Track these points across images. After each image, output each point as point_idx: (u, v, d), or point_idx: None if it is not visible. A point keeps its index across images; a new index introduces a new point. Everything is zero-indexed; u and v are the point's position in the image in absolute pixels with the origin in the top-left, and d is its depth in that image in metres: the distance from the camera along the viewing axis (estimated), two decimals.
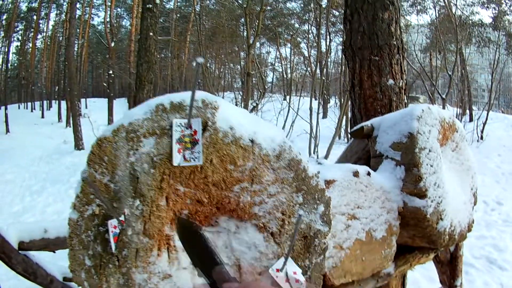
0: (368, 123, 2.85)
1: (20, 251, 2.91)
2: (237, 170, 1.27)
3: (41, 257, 3.15)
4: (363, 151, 3.04)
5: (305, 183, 1.38)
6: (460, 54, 18.36)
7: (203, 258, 0.47)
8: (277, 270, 1.28)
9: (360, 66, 4.20)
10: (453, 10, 17.90)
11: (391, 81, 4.09)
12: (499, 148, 13.63)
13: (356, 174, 2.13)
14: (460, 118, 15.53)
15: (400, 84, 4.17)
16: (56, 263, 3.35)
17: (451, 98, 24.46)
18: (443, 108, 16.10)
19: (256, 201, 1.30)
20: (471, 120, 18.21)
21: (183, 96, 1.28)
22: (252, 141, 1.28)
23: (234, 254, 1.32)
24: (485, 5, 21.95)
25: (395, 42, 4.12)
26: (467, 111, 19.54)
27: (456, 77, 19.29)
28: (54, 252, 3.23)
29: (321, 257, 1.44)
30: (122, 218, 1.19)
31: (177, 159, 1.20)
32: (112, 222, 1.18)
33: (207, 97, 1.29)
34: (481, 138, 14.76)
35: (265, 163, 1.30)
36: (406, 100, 4.28)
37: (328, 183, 1.93)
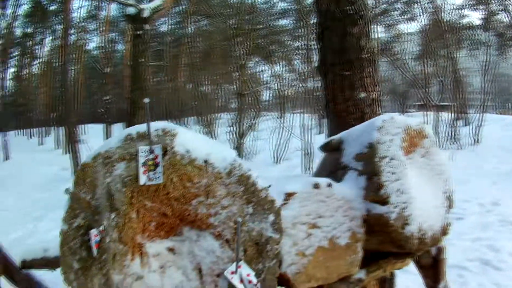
0: (336, 137, 3.06)
1: (23, 269, 3.02)
2: (194, 187, 1.54)
3: (42, 277, 3.20)
4: (334, 164, 3.18)
5: (254, 196, 1.64)
6: (451, 59, 18.53)
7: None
8: (232, 273, 1.53)
9: (333, 81, 4.37)
10: (442, 15, 18.13)
11: (363, 94, 4.27)
12: (496, 149, 13.58)
13: (316, 186, 2.33)
14: (455, 123, 15.62)
15: (373, 96, 4.34)
16: (57, 282, 3.52)
17: (446, 103, 24.59)
18: (438, 114, 16.24)
19: (211, 212, 1.56)
20: (466, 124, 18.28)
21: (147, 127, 1.55)
22: (206, 161, 1.55)
23: (196, 258, 1.58)
24: (474, 7, 22.13)
25: (365, 56, 4.30)
26: (462, 115, 19.58)
27: (449, 82, 19.40)
28: (54, 270, 3.41)
29: (273, 261, 1.67)
30: (101, 228, 1.46)
31: (142, 179, 1.47)
32: (93, 232, 1.46)
33: (167, 126, 1.57)
34: (477, 141, 14.80)
35: (218, 179, 1.57)
36: (380, 111, 4.43)
37: (289, 195, 2.13)
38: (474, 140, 14.82)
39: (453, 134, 15.04)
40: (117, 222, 1.48)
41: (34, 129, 31.84)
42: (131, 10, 9.83)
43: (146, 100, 1.38)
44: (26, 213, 10.63)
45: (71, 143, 15.52)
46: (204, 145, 1.59)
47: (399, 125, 2.81)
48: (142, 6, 9.87)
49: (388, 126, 2.73)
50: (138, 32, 9.64)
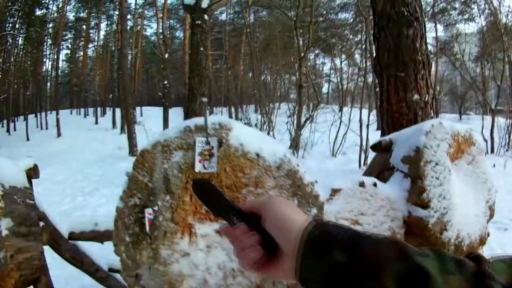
0: (387, 137, 3.09)
1: (70, 240, 3.17)
2: (245, 177, 1.66)
3: (90, 249, 3.39)
4: (384, 164, 3.23)
5: (300, 189, 1.74)
6: (509, 63, 17.75)
7: (220, 205, 0.63)
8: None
9: (387, 82, 4.41)
10: (499, 17, 17.40)
11: (416, 96, 4.27)
12: None
13: (362, 184, 2.40)
14: (510, 129, 14.94)
15: (426, 98, 4.33)
16: (103, 255, 3.64)
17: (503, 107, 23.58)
18: (493, 119, 15.61)
19: None
20: None
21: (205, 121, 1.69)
22: (257, 154, 1.67)
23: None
24: None
25: (420, 58, 4.29)
26: None
27: (507, 86, 18.58)
28: (102, 243, 3.41)
29: None
30: (156, 208, 1.61)
31: (197, 167, 1.61)
32: (148, 210, 1.62)
33: (222, 121, 1.70)
34: None
35: (267, 172, 1.68)
36: (432, 114, 4.44)
37: (335, 191, 2.22)
38: None
39: (508, 140, 14.38)
40: (171, 203, 1.63)
41: (89, 109, 33.28)
42: (189, 0, 10.04)
43: (204, 99, 1.51)
44: (78, 188, 10.99)
45: (128, 124, 15.99)
46: (257, 140, 1.70)
47: (447, 130, 2.82)
48: None
49: (436, 131, 2.74)
50: (197, 22, 9.80)
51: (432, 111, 4.48)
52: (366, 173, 3.48)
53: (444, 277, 0.52)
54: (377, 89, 16.25)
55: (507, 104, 18.64)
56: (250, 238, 0.65)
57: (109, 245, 3.56)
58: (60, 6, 26.88)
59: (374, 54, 4.73)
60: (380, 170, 3.29)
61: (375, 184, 2.52)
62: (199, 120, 1.70)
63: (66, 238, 3.15)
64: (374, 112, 16.16)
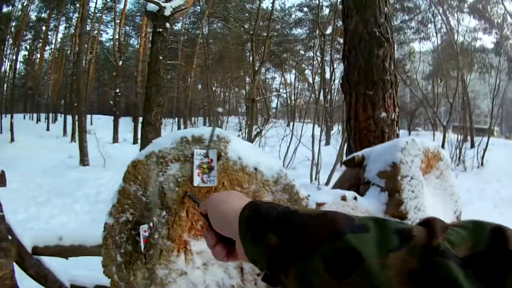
0: (359, 153, 3.17)
1: (33, 255, 3.04)
2: (243, 192, 1.62)
3: (52, 264, 3.26)
4: (354, 179, 3.31)
5: (297, 204, 1.72)
6: (462, 81, 18.64)
7: None
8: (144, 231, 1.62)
9: (356, 100, 4.49)
10: (455, 37, 18.25)
11: (384, 114, 4.39)
12: (499, 174, 13.69)
13: (344, 198, 2.46)
14: (461, 145, 15.71)
15: (393, 116, 4.47)
16: (66, 270, 3.49)
17: (453, 124, 24.67)
18: (444, 135, 16.34)
19: None
20: (472, 146, 18.32)
21: (202, 131, 1.64)
22: (255, 169, 1.64)
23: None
24: (487, 31, 22.25)
25: (388, 78, 4.42)
26: (469, 137, 19.69)
27: (458, 104, 19.51)
28: (67, 258, 3.34)
29: None
30: (151, 224, 1.53)
31: (196, 181, 1.55)
32: (143, 227, 1.53)
33: (221, 133, 1.65)
34: (482, 164, 14.88)
35: (265, 186, 1.65)
36: (398, 132, 4.57)
37: (319, 205, 2.25)
38: (479, 163, 14.85)
39: (458, 155, 15.09)
40: (168, 219, 1.56)
41: (41, 114, 32.06)
42: (152, 7, 9.90)
43: (220, 110, 1.46)
44: (31, 197, 10.64)
45: (80, 133, 15.52)
46: (254, 154, 1.67)
47: (419, 147, 2.99)
48: (164, 4, 9.93)
49: (410, 148, 2.88)
50: (159, 30, 9.66)
51: (397, 128, 4.62)
52: (336, 187, 3.56)
53: (381, 254, 0.46)
54: (327, 105, 16.77)
55: (458, 121, 19.62)
56: (211, 237, 0.72)
57: (72, 260, 3.45)
58: (25, 4, 25.82)
59: (343, 72, 4.82)
60: (351, 184, 3.38)
61: (355, 198, 2.58)
62: (196, 131, 1.64)
63: (30, 253, 3.00)
64: (324, 128, 16.57)
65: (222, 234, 0.70)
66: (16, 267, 2.88)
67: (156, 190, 1.56)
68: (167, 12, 9.79)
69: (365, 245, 0.47)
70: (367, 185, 2.91)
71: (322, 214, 0.55)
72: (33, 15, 29.03)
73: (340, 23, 16.73)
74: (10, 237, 2.61)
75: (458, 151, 15.36)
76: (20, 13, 26.23)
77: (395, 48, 4.82)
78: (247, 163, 1.63)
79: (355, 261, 0.46)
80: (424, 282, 0.42)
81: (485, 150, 15.15)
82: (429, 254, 0.44)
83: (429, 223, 0.50)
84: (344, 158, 3.76)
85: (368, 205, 2.64)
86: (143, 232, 1.53)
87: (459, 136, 16.56)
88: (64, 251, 3.24)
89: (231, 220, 0.65)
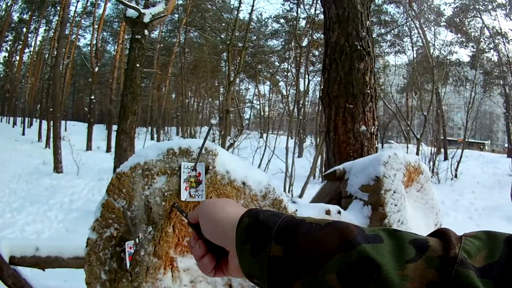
0: (340, 167, 3.18)
1: (10, 265, 2.97)
2: None
3: (28, 274, 3.18)
4: (335, 192, 3.31)
5: None
6: (437, 94, 18.95)
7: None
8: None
9: (336, 113, 4.50)
10: (431, 51, 18.60)
11: (363, 128, 4.41)
12: (473, 185, 13.91)
13: (328, 212, 2.45)
14: (434, 157, 15.94)
15: (372, 130, 4.49)
16: (40, 281, 3.41)
17: (427, 137, 25.16)
18: (418, 148, 16.58)
19: None
20: (445, 159, 18.60)
21: (189, 143, 1.60)
22: (244, 183, 1.61)
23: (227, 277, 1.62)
24: (464, 44, 22.66)
25: (368, 91, 4.45)
26: (442, 150, 19.99)
27: (432, 116, 19.80)
28: (44, 270, 3.26)
29: None
30: (137, 240, 1.48)
31: (184, 195, 1.51)
32: (129, 243, 1.47)
33: (209, 146, 1.61)
34: (455, 176, 15.09)
35: (254, 201, 1.62)
36: (376, 145, 4.60)
37: None
38: (453, 175, 15.10)
39: (432, 168, 15.34)
40: (154, 235, 1.51)
41: (18, 118, 31.39)
42: (132, 13, 9.80)
43: (214, 122, 1.43)
44: (5, 203, 10.46)
45: (54, 139, 15.21)
46: (242, 167, 1.64)
47: (401, 161, 3.02)
48: (143, 10, 9.85)
49: (393, 162, 2.91)
50: (137, 37, 9.55)
51: (376, 141, 4.66)
52: (315, 201, 3.56)
53: (398, 265, 0.45)
54: (301, 118, 16.84)
55: (432, 134, 19.95)
56: (198, 248, 0.66)
57: (48, 270, 3.35)
58: (9, 4, 25.25)
59: (323, 85, 4.83)
60: (331, 198, 3.39)
61: (339, 212, 2.58)
62: (183, 143, 1.59)
63: (7, 263, 2.94)
64: (297, 140, 16.59)
65: (211, 244, 0.65)
66: None
67: (142, 204, 1.51)
68: (146, 19, 9.71)
69: (382, 256, 0.46)
70: (349, 198, 2.92)
71: (331, 223, 0.53)
72: (15, 16, 28.51)
73: (316, 35, 16.95)
74: None
75: (431, 163, 15.58)
76: (3, 13, 25.71)
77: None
78: (235, 177, 1.59)
79: (372, 271, 0.45)
80: None
81: (459, 162, 15.39)
82: (447, 265, 0.44)
83: (442, 234, 0.50)
84: (323, 171, 3.77)
85: (351, 219, 2.65)
86: (128, 249, 1.47)
87: (432, 149, 16.81)
88: (40, 262, 3.16)
89: (226, 228, 0.61)
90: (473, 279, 0.41)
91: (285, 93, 23.23)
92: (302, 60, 14.88)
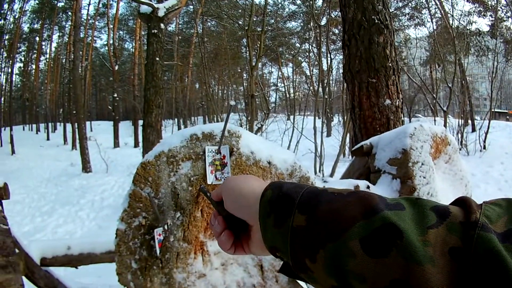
0: (367, 142, 3.13)
1: (42, 267, 2.97)
2: None
3: (61, 274, 3.20)
4: (364, 168, 3.28)
5: None
6: (460, 65, 18.51)
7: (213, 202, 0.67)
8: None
9: (359, 88, 4.47)
10: (450, 21, 18.14)
11: (388, 101, 4.35)
12: (502, 156, 13.61)
13: (357, 188, 2.41)
14: (462, 129, 15.58)
15: (397, 103, 4.44)
16: (73, 279, 3.46)
17: (453, 109, 24.65)
18: (445, 120, 16.26)
19: None
20: (473, 130, 18.17)
21: (212, 127, 1.58)
22: (269, 162, 1.58)
23: (257, 256, 1.60)
24: (482, 14, 22.13)
25: (390, 64, 4.39)
26: (469, 121, 19.60)
27: (457, 88, 19.38)
28: (77, 268, 3.31)
29: None
30: (166, 227, 1.47)
31: (210, 179, 1.49)
32: (158, 231, 1.47)
33: (231, 128, 1.59)
34: (484, 147, 14.76)
35: (280, 180, 1.59)
36: (402, 118, 4.54)
37: None
38: (481, 146, 14.78)
39: (460, 140, 15.01)
40: (182, 221, 1.50)
41: (41, 124, 32.14)
42: (145, 9, 9.83)
43: (232, 103, 1.40)
44: (35, 208, 10.68)
45: (80, 140, 15.49)
46: (266, 147, 1.61)
47: (427, 132, 2.96)
48: (157, 5, 9.86)
49: (419, 134, 2.84)
50: (154, 31, 9.59)
51: (402, 115, 4.60)
52: (345, 177, 3.53)
53: (420, 231, 0.44)
54: (326, 97, 16.73)
55: (458, 105, 19.52)
56: (218, 224, 0.65)
57: (81, 268, 3.41)
58: (16, 16, 25.80)
59: (344, 62, 4.78)
60: (360, 173, 3.35)
61: (368, 187, 2.55)
62: (205, 127, 1.57)
63: (38, 265, 2.93)
64: (324, 119, 16.44)
65: (230, 221, 0.65)
66: (26, 281, 2.83)
67: (168, 191, 1.50)
68: (160, 13, 9.72)
69: (404, 222, 0.45)
70: (377, 173, 2.87)
71: (353, 192, 0.52)
72: (25, 27, 29.02)
73: (334, 13, 16.73)
74: (17, 251, 2.54)
75: (459, 135, 15.26)
76: (12, 26, 26.21)
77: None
78: (260, 157, 1.57)
79: (394, 237, 0.44)
80: (466, 257, 0.42)
81: (486, 133, 15.05)
82: (469, 229, 0.43)
83: (463, 202, 0.49)
84: (351, 148, 3.75)
85: (380, 193, 2.59)
86: (157, 236, 1.47)
87: (460, 121, 16.44)
88: (73, 260, 3.19)
89: (250, 200, 0.60)
90: (495, 242, 0.41)
91: (308, 74, 23.07)
92: (322, 39, 14.70)
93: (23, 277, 2.74)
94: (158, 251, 1.47)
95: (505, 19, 21.41)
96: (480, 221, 0.44)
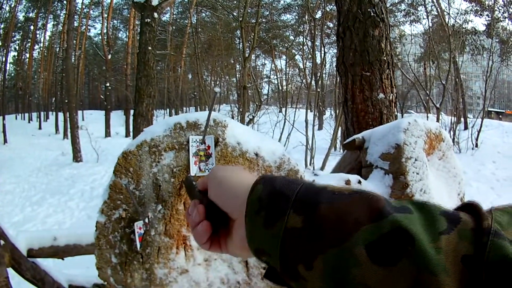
0: (359, 135, 3.07)
1: (29, 258, 2.94)
2: None
3: (48, 265, 3.18)
4: (355, 162, 3.23)
5: None
6: (454, 63, 18.54)
7: (194, 193, 0.60)
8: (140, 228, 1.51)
9: (352, 81, 4.39)
10: (446, 19, 18.16)
11: (381, 95, 4.30)
12: (494, 155, 13.68)
13: (347, 182, 2.35)
14: (454, 127, 15.64)
15: (390, 97, 4.38)
16: (61, 270, 3.39)
17: (446, 106, 24.72)
18: (438, 117, 16.30)
19: None
20: (466, 128, 18.25)
21: (197, 116, 1.50)
22: (256, 154, 1.51)
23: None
24: (479, 13, 22.18)
25: (385, 58, 4.33)
26: (462, 119, 19.68)
27: (450, 85, 19.43)
28: (63, 259, 3.25)
29: None
30: (146, 220, 1.40)
31: (193, 170, 1.42)
32: (138, 224, 1.40)
33: (217, 117, 1.51)
34: (476, 146, 14.82)
35: (268, 173, 1.52)
36: (396, 113, 4.49)
37: None
38: (473, 144, 14.85)
39: (453, 137, 15.06)
40: (164, 214, 1.43)
41: (34, 113, 31.93)
42: None
43: (217, 90, 1.33)
44: (26, 197, 10.58)
45: (72, 129, 15.36)
46: (254, 138, 1.54)
47: (422, 128, 2.91)
48: None
49: (413, 129, 2.80)
50: (147, 20, 9.49)
51: (395, 109, 4.55)
52: (335, 171, 3.47)
53: (432, 237, 0.41)
54: (318, 90, 16.74)
55: (451, 103, 19.58)
56: (197, 213, 0.58)
57: (68, 259, 3.35)
58: (12, 5, 25.53)
59: (338, 54, 4.71)
60: (352, 168, 3.29)
61: (359, 182, 2.49)
62: (190, 116, 1.50)
63: (25, 256, 2.88)
64: (316, 112, 16.49)
65: (211, 212, 0.57)
66: (13, 272, 2.81)
67: (150, 182, 1.42)
68: (154, 2, 9.63)
69: (415, 226, 0.41)
70: (369, 168, 2.82)
71: (357, 191, 0.46)
72: (20, 16, 28.80)
73: (329, 7, 16.65)
74: (2, 242, 2.47)
75: (452, 132, 15.31)
76: (8, 14, 25.97)
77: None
78: (247, 148, 1.49)
79: (405, 243, 0.40)
80: (479, 266, 0.39)
81: (479, 131, 15.12)
82: (481, 236, 0.41)
83: (471, 207, 0.46)
84: (343, 142, 3.70)
85: (372, 188, 2.54)
86: (138, 230, 1.39)
87: (452, 118, 16.50)
88: (59, 251, 3.13)
89: (238, 191, 0.54)
90: (510, 249, 0.39)
91: (302, 67, 23.01)
92: (317, 33, 14.64)
93: (10, 269, 2.73)
94: (138, 245, 1.40)
95: (501, 19, 21.47)
96: (493, 228, 0.41)
